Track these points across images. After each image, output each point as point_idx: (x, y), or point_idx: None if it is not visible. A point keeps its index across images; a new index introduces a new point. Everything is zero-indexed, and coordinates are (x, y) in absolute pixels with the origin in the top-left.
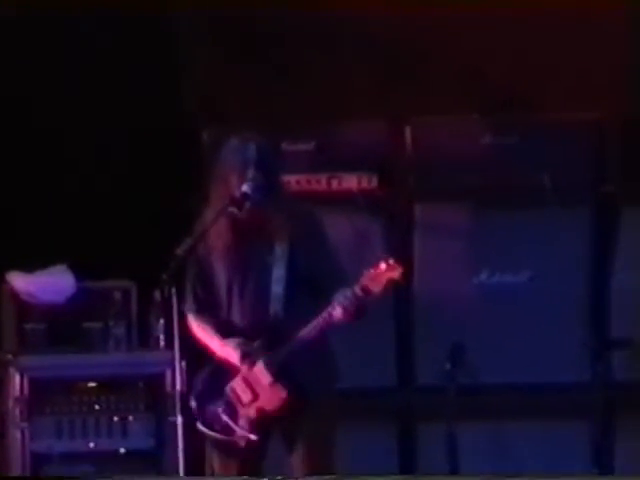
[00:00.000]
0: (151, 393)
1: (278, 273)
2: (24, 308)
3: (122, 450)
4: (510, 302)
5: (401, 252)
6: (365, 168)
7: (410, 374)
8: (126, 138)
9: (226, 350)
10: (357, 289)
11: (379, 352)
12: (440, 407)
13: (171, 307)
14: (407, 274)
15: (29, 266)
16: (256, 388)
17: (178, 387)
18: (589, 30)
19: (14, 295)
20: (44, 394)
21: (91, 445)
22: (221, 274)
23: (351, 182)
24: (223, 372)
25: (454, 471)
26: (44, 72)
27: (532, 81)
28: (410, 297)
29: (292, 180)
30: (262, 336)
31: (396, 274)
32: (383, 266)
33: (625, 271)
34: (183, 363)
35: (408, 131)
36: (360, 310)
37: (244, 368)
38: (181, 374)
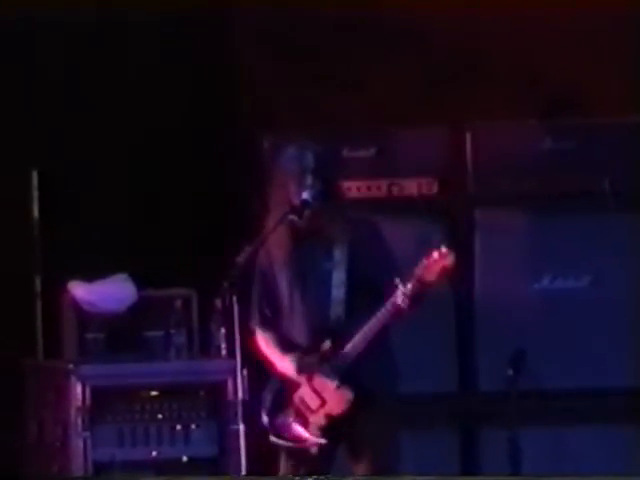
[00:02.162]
0: (213, 401)
1: (338, 277)
2: (85, 317)
3: (184, 458)
4: (572, 307)
5: (463, 257)
6: (425, 174)
7: (472, 380)
8: (189, 144)
9: (284, 365)
10: (413, 280)
11: (441, 357)
12: (502, 413)
13: (232, 315)
14: (469, 279)
15: (90, 275)
16: (323, 394)
17: (240, 395)
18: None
19: (75, 304)
20: (105, 403)
21: (153, 453)
22: (283, 283)
23: (412, 188)
24: (289, 383)
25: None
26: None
27: (591, 84)
28: (472, 302)
29: (353, 186)
30: (324, 341)
31: (448, 262)
32: (436, 255)
33: None
34: (244, 371)
35: (468, 136)
36: (418, 301)
37: (303, 380)
38: (242, 382)
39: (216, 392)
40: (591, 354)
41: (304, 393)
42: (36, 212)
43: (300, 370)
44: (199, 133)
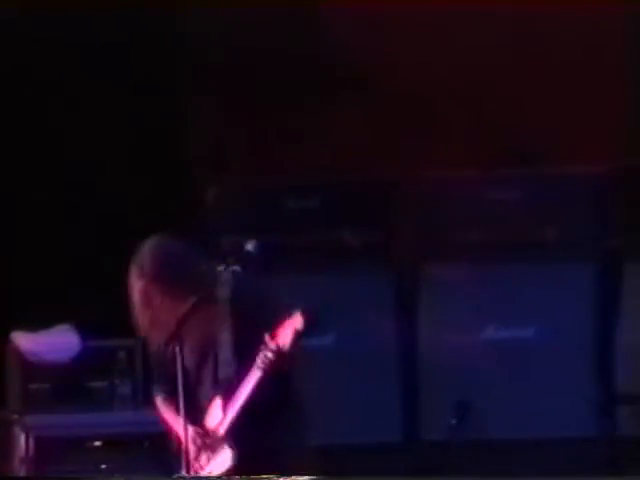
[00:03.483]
0: (157, 452)
1: (224, 338)
2: (29, 367)
3: None
4: (516, 356)
5: (406, 309)
6: (370, 223)
7: (416, 430)
8: (130, 189)
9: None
10: (270, 346)
11: (384, 407)
12: (446, 463)
13: (175, 367)
14: (414, 329)
15: (33, 326)
16: (211, 454)
17: (184, 446)
18: (587, 82)
19: (19, 354)
20: (50, 453)
21: None
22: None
23: (356, 240)
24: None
25: None
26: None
27: (537, 134)
28: (416, 352)
29: (298, 237)
30: (215, 404)
31: (299, 324)
32: (287, 319)
33: (630, 326)
34: (188, 422)
35: (414, 187)
36: (281, 363)
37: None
38: (186, 433)
39: (161, 443)
40: (535, 403)
41: (198, 453)
42: None
43: (187, 432)
44: (143, 179)
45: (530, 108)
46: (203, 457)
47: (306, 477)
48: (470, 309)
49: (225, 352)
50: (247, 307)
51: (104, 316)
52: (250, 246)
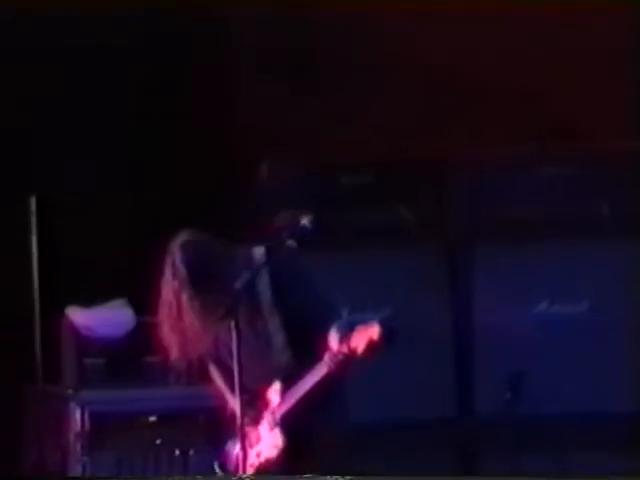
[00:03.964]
0: (212, 427)
1: (274, 324)
2: (84, 343)
3: None
4: (569, 332)
5: (461, 284)
6: (425, 201)
7: (470, 404)
8: (187, 171)
9: (234, 403)
10: (342, 349)
11: (439, 382)
12: (500, 437)
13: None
14: (467, 306)
15: (88, 301)
16: (261, 434)
17: (238, 421)
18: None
19: (74, 330)
20: (104, 428)
21: None
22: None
23: (411, 215)
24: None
25: None
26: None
27: (590, 110)
28: (471, 326)
29: (351, 214)
30: (271, 386)
31: (375, 334)
32: (363, 327)
33: None
34: (246, 397)
35: (466, 165)
36: (348, 365)
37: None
38: (241, 407)
39: (215, 418)
40: (588, 379)
41: (249, 430)
42: (35, 238)
43: (246, 410)
44: (198, 160)
45: (582, 83)
46: (254, 436)
47: (308, 475)
48: (523, 285)
49: (279, 337)
50: (295, 288)
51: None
52: (306, 221)
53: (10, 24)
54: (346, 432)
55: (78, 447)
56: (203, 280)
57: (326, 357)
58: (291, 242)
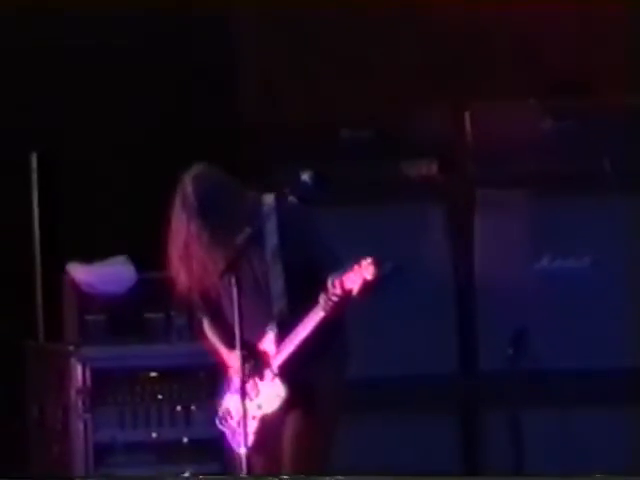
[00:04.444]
0: (213, 382)
1: (276, 270)
2: (85, 299)
3: (185, 440)
4: (572, 287)
5: (462, 238)
6: (425, 155)
7: (472, 360)
8: (188, 127)
9: (230, 356)
10: (335, 290)
11: (440, 338)
12: (503, 393)
13: (231, 296)
14: (468, 260)
15: (89, 257)
16: (259, 387)
17: (240, 377)
18: None
19: (75, 286)
20: (106, 385)
21: (154, 435)
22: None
23: (411, 169)
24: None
25: (519, 458)
26: None
27: (592, 64)
28: (471, 282)
29: (353, 168)
30: (267, 335)
31: (369, 275)
32: (357, 267)
33: None
34: (244, 351)
35: (467, 117)
36: (343, 307)
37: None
38: (242, 362)
39: (216, 373)
40: (591, 334)
41: (248, 385)
42: (35, 194)
43: (243, 363)
44: (198, 115)
45: (587, 38)
46: (253, 388)
47: (302, 476)
48: (525, 239)
49: (277, 286)
50: (299, 240)
51: (160, 247)
52: (306, 176)
53: None
54: (346, 380)
55: (80, 404)
56: (213, 213)
57: (320, 300)
58: (292, 198)
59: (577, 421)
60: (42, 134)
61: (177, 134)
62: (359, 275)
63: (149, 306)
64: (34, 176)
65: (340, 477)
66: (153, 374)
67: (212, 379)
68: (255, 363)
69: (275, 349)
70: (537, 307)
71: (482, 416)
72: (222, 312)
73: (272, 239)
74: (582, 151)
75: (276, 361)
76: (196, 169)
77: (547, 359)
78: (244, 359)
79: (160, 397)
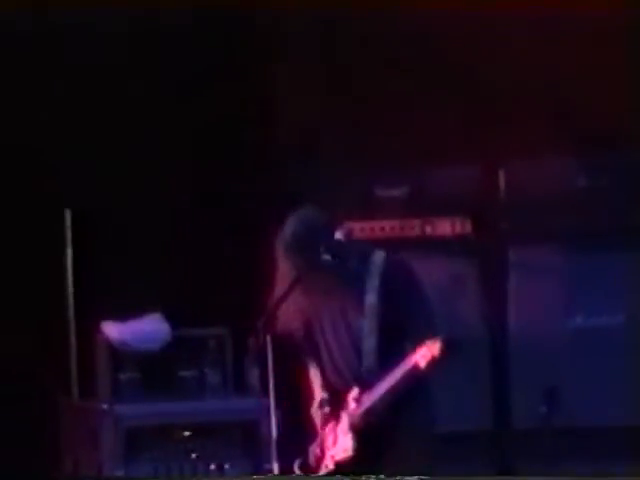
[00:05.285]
0: (247, 440)
1: (369, 326)
2: (119, 357)
3: None
4: (605, 345)
5: (496, 296)
6: (459, 212)
7: (506, 417)
8: (219, 180)
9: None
10: (406, 363)
11: (475, 395)
12: (537, 450)
13: (266, 354)
14: (503, 317)
15: (123, 315)
16: (338, 436)
17: (274, 434)
18: None
19: (108, 344)
20: (140, 442)
21: None
22: (317, 328)
23: (445, 227)
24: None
25: None
26: None
27: (627, 120)
28: (506, 340)
29: (386, 226)
30: (353, 388)
31: (436, 351)
32: (426, 345)
33: None
34: (278, 410)
35: (501, 174)
36: (414, 377)
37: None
38: (276, 421)
39: (250, 431)
40: (624, 392)
41: (327, 430)
42: (70, 251)
43: (325, 410)
44: (236, 172)
45: (617, 94)
46: (330, 435)
47: (303, 476)
48: (559, 297)
49: (369, 342)
50: (399, 300)
51: (194, 305)
52: (339, 234)
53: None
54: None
55: (113, 461)
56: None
57: (395, 370)
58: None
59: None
60: (77, 191)
61: (218, 190)
62: (429, 351)
63: (183, 364)
64: (68, 233)
65: (339, 477)
66: (187, 432)
67: (246, 437)
68: (336, 411)
69: (355, 406)
70: (571, 365)
71: (517, 474)
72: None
73: (372, 295)
74: (615, 208)
75: (353, 416)
76: (297, 213)
77: (580, 417)
78: (326, 403)
79: (194, 455)
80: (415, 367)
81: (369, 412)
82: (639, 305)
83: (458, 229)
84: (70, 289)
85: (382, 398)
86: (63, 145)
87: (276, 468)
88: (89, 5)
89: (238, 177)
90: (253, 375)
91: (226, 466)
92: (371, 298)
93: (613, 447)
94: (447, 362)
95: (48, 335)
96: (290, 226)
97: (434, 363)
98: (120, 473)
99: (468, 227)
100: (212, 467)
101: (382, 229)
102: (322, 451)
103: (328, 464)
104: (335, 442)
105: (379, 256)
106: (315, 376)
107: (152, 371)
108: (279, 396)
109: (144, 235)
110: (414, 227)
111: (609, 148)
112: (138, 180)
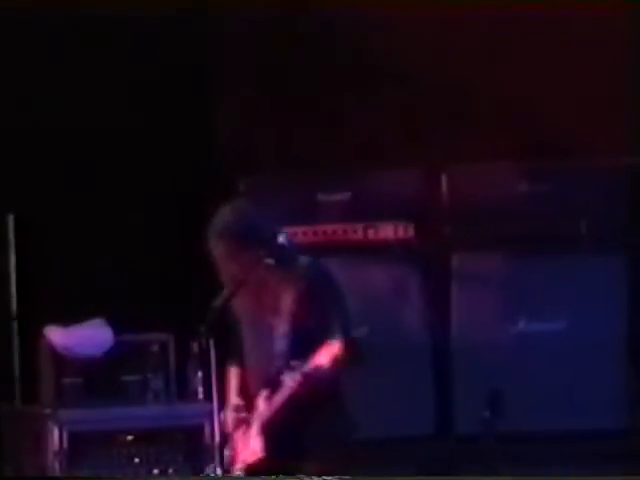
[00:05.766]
0: (190, 445)
1: (284, 328)
2: (62, 362)
3: None
4: (548, 350)
5: (438, 301)
6: (401, 217)
7: (449, 423)
8: (165, 188)
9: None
10: (305, 368)
11: (417, 401)
12: (479, 456)
13: (209, 359)
14: (445, 323)
15: (66, 320)
16: (248, 441)
17: (217, 439)
18: (619, 77)
19: (52, 349)
20: (83, 447)
21: None
22: (244, 331)
23: (388, 231)
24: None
25: None
26: None
27: (568, 127)
28: (448, 345)
29: (328, 230)
30: (263, 391)
31: (337, 349)
32: (328, 342)
33: None
34: (222, 415)
35: (444, 179)
36: (314, 382)
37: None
38: (220, 426)
39: (193, 436)
40: (567, 396)
41: (240, 435)
42: (13, 256)
43: (239, 413)
44: (175, 175)
45: (562, 101)
46: (243, 441)
47: (305, 477)
48: (501, 301)
49: (283, 343)
50: (316, 305)
51: (137, 310)
52: (283, 238)
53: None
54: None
55: (56, 466)
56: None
57: (288, 377)
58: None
59: None
60: (19, 195)
61: (158, 193)
62: (329, 352)
63: (126, 369)
64: (11, 237)
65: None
66: (130, 437)
67: (189, 442)
68: (249, 416)
69: (264, 407)
70: (514, 370)
71: (459, 479)
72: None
73: (290, 297)
74: (557, 213)
75: (261, 419)
76: (234, 203)
77: (523, 421)
78: (240, 409)
79: (137, 460)
80: (318, 367)
81: (277, 414)
82: (581, 310)
83: (401, 234)
84: (14, 294)
85: (289, 399)
86: (4, 150)
87: (219, 471)
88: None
89: (178, 180)
90: (196, 380)
91: (169, 471)
92: (289, 300)
93: (556, 452)
94: (384, 366)
95: None
96: (230, 222)
97: (337, 363)
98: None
99: (411, 232)
100: (155, 472)
101: (324, 233)
102: (234, 455)
103: (240, 467)
104: (246, 445)
105: (304, 260)
106: (233, 379)
107: (95, 376)
108: (222, 400)
109: (87, 240)
110: (357, 231)
111: (552, 154)
112: (81, 185)
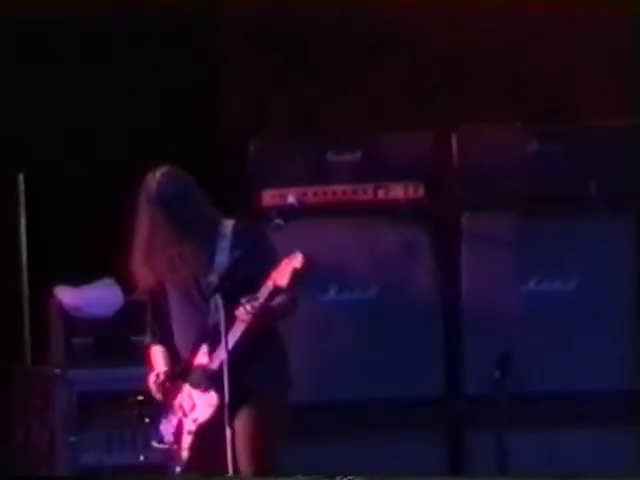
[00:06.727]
0: None
1: (214, 284)
2: (72, 322)
3: None
4: (558, 310)
5: (448, 261)
6: (411, 177)
7: (459, 383)
8: (175, 147)
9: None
10: (266, 285)
11: (428, 361)
12: (489, 416)
13: (218, 316)
14: (455, 283)
15: (76, 280)
16: (194, 399)
17: (226, 399)
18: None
19: (62, 310)
20: (93, 408)
21: (141, 458)
22: (171, 296)
23: (398, 192)
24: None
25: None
26: None
27: (577, 87)
28: (458, 305)
29: (338, 190)
30: (201, 348)
31: (297, 263)
32: (286, 259)
33: None
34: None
35: (454, 140)
36: (270, 312)
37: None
38: (176, 376)
39: None
40: (578, 356)
41: (182, 398)
42: (22, 217)
43: (175, 378)
44: (185, 136)
45: (573, 60)
46: (188, 403)
47: (305, 477)
48: (511, 262)
49: (216, 299)
50: (248, 259)
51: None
52: (292, 199)
53: None
54: (286, 389)
55: (66, 427)
56: (177, 208)
57: (240, 309)
58: (279, 220)
59: (562, 444)
60: (30, 156)
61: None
62: (289, 266)
63: (136, 329)
64: (21, 197)
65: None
66: (140, 397)
67: None
68: (191, 377)
69: (207, 360)
70: (524, 330)
71: (468, 440)
72: (169, 327)
73: (222, 255)
74: (568, 174)
75: (208, 371)
76: (162, 169)
77: (534, 382)
78: (179, 374)
79: (147, 420)
80: (278, 289)
81: (228, 361)
82: (592, 270)
83: (411, 194)
84: (24, 254)
85: (244, 336)
86: (18, 110)
87: (228, 431)
88: None
89: (188, 141)
90: None
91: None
92: (221, 258)
93: (566, 413)
94: (397, 328)
95: (1, 300)
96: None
97: (296, 277)
98: (73, 439)
99: (421, 192)
100: None
101: (334, 193)
102: (180, 420)
103: (190, 429)
104: (193, 406)
105: (229, 222)
106: (157, 350)
107: (105, 336)
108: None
109: (98, 201)
110: (367, 191)
111: (562, 114)
112: (92, 144)
